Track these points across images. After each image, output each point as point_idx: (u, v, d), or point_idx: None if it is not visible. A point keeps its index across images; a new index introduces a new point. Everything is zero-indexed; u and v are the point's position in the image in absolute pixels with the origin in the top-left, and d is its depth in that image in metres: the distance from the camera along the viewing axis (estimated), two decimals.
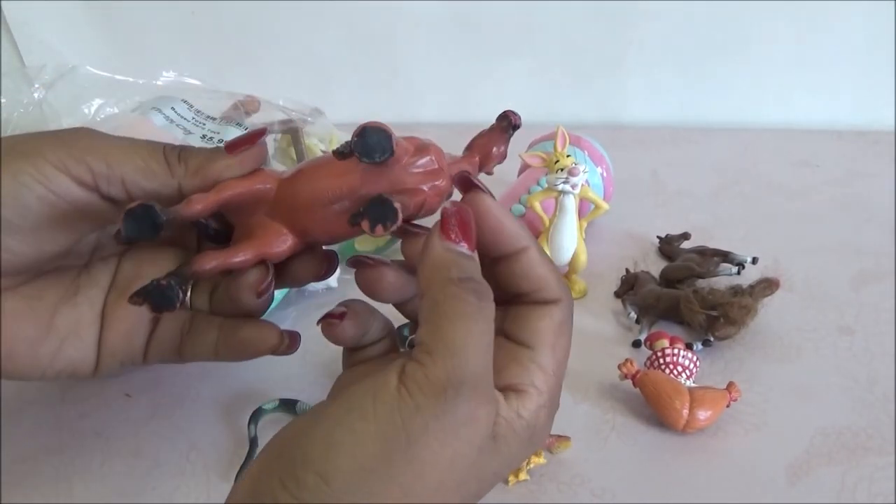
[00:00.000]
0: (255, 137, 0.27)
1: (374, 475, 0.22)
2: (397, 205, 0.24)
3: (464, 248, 0.25)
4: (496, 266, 0.27)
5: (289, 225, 0.28)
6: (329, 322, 0.28)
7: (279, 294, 0.49)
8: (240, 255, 0.27)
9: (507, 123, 0.29)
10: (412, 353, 0.24)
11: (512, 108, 0.29)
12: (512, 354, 0.26)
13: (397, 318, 0.31)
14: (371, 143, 0.24)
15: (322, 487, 0.22)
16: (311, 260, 0.30)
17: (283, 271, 0.30)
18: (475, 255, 0.25)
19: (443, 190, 0.27)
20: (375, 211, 0.24)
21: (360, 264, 0.27)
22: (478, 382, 0.23)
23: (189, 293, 0.31)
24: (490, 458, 0.24)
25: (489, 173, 0.30)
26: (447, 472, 0.23)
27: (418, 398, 0.22)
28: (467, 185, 0.26)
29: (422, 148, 0.27)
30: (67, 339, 0.29)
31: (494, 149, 0.30)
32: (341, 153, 0.25)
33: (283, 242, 0.28)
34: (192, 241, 0.33)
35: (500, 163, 0.30)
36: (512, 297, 0.27)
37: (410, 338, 0.30)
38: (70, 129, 0.26)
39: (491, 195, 0.27)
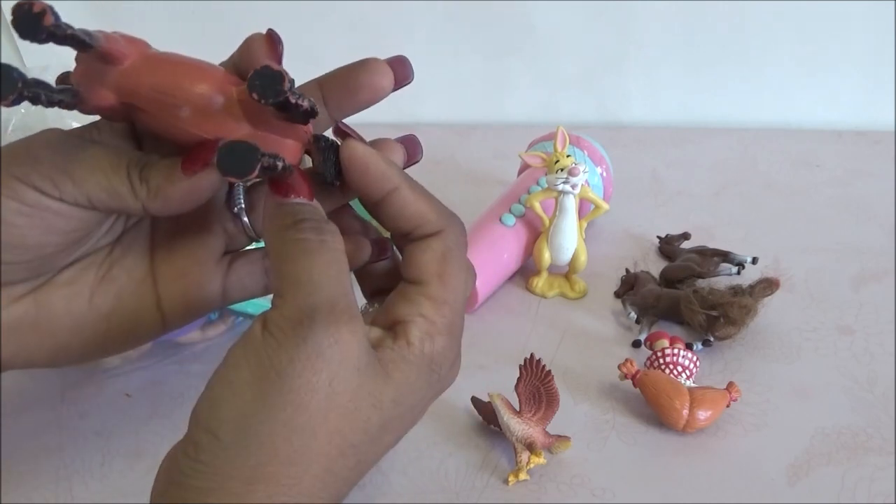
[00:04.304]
0: (209, 153, 0.25)
1: (256, 418, 0.23)
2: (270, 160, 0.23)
3: (299, 199, 0.26)
4: (377, 212, 0.28)
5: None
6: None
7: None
8: None
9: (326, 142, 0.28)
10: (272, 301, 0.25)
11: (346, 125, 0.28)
12: (401, 292, 0.27)
13: None
14: (265, 84, 0.23)
15: (214, 443, 0.23)
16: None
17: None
18: (314, 202, 0.26)
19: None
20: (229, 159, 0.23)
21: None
22: (333, 306, 0.24)
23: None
24: (382, 383, 0.25)
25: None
26: (330, 399, 0.23)
27: (278, 336, 0.23)
28: (340, 133, 0.27)
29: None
30: (114, 313, 0.30)
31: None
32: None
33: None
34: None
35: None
36: (402, 237, 0.28)
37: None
38: (35, 142, 0.26)
39: (361, 140, 0.27)
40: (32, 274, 0.28)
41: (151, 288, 0.30)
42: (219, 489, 0.23)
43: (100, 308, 0.29)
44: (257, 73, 0.23)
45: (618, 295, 0.54)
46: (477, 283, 0.47)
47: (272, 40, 0.27)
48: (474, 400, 0.43)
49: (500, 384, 0.41)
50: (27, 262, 0.27)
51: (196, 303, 0.31)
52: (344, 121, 0.29)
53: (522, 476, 0.39)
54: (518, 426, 0.40)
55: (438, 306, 0.27)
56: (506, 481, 0.39)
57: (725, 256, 0.56)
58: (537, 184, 0.58)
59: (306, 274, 0.24)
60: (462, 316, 0.28)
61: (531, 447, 0.39)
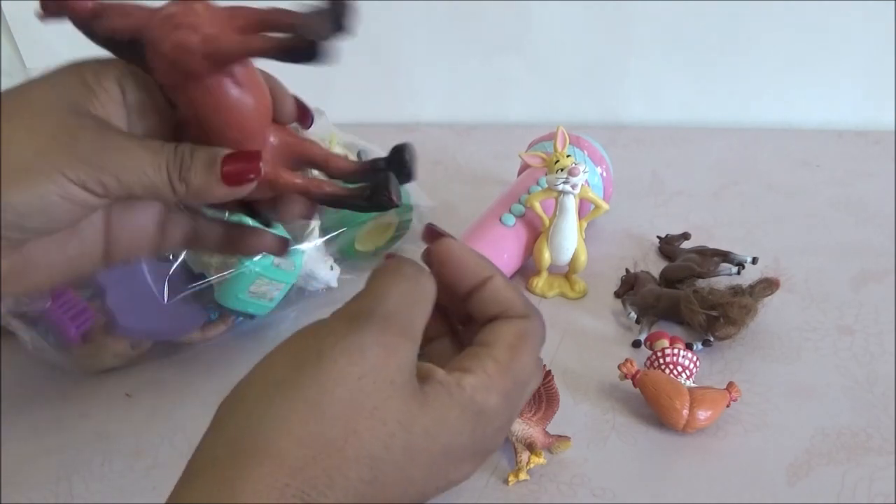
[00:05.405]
0: (253, 163, 0.27)
1: (282, 387, 0.23)
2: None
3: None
4: (469, 300, 0.28)
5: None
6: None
7: (279, 294, 0.49)
8: None
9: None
10: None
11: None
12: (472, 352, 0.27)
13: None
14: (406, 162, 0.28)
15: (237, 405, 0.24)
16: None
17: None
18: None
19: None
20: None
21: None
22: (393, 318, 0.25)
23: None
24: (416, 407, 0.24)
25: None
26: (354, 392, 0.24)
27: (333, 323, 0.25)
28: (433, 235, 0.29)
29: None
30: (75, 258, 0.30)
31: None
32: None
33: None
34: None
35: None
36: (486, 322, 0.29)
37: None
38: (83, 136, 0.26)
39: (453, 238, 0.29)
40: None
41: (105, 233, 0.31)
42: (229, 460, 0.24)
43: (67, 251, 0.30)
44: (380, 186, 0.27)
45: (618, 295, 0.54)
46: None
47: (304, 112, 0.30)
48: None
49: None
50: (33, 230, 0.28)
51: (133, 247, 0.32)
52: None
53: (522, 476, 0.39)
54: (518, 426, 0.40)
55: (503, 371, 0.27)
56: (506, 481, 0.39)
57: (725, 256, 0.56)
58: (537, 184, 0.58)
59: (383, 287, 0.26)
60: (522, 400, 0.28)
61: (531, 447, 0.39)
